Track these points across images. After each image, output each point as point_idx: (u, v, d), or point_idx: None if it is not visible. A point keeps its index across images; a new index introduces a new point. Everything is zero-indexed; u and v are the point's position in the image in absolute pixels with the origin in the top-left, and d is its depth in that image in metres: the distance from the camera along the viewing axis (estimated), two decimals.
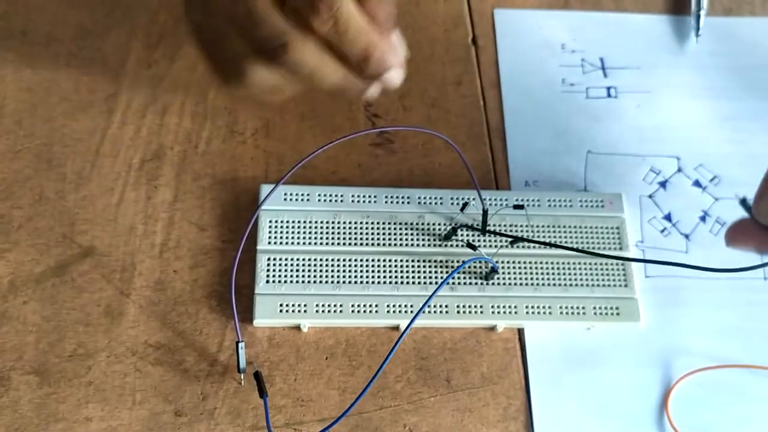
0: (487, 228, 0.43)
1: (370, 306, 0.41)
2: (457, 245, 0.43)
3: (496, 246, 0.43)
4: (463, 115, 0.48)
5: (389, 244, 0.43)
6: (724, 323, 0.43)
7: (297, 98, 0.48)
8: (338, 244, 0.43)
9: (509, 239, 0.43)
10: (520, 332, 0.42)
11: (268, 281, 0.41)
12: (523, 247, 0.43)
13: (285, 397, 0.40)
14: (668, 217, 0.46)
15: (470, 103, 0.49)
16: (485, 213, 0.43)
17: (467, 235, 0.43)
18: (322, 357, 0.41)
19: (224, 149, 0.46)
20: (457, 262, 0.43)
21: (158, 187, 0.44)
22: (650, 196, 0.47)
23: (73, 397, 0.39)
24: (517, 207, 0.44)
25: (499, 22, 0.52)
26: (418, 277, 0.42)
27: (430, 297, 0.38)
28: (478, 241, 0.43)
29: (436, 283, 0.42)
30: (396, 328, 0.42)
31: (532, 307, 0.42)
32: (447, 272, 0.42)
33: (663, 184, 0.47)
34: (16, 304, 0.41)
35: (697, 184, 0.48)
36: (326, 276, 0.42)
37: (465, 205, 0.44)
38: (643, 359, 0.42)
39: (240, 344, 0.39)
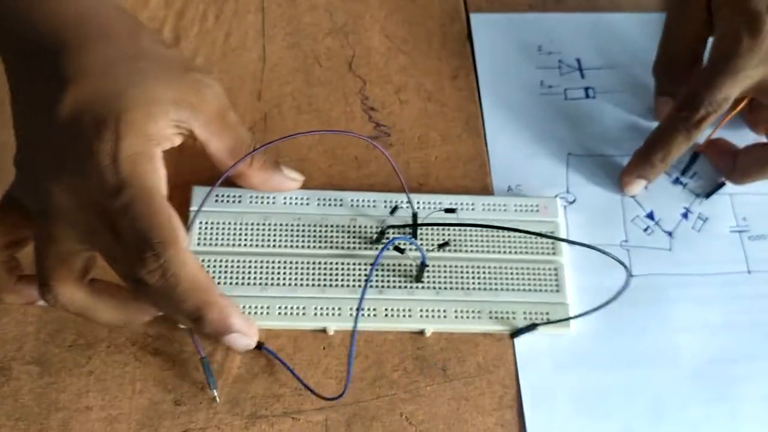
0: (418, 231, 0.43)
1: (297, 308, 0.41)
2: (387, 248, 0.42)
3: (426, 249, 0.43)
4: (459, 108, 0.49)
5: (319, 247, 0.43)
6: (710, 319, 0.44)
7: (294, 92, 0.49)
8: (267, 246, 0.42)
9: (438, 243, 0.43)
10: None
11: None
12: (453, 250, 0.43)
13: (283, 386, 0.40)
14: (651, 216, 0.47)
15: (466, 97, 0.49)
16: (415, 216, 0.43)
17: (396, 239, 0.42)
18: (320, 347, 0.41)
19: None
20: (387, 265, 0.42)
21: None
22: (632, 196, 0.47)
23: (74, 386, 0.39)
24: (448, 211, 0.44)
25: (475, 27, 0.52)
26: (346, 280, 0.42)
27: (363, 293, 0.39)
28: (407, 243, 0.43)
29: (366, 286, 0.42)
30: (323, 330, 0.41)
31: (462, 311, 0.42)
32: (375, 275, 0.42)
33: None
34: None
35: (677, 181, 0.48)
36: (254, 278, 0.42)
37: (395, 208, 0.44)
38: (630, 357, 0.42)
39: (204, 359, 0.39)
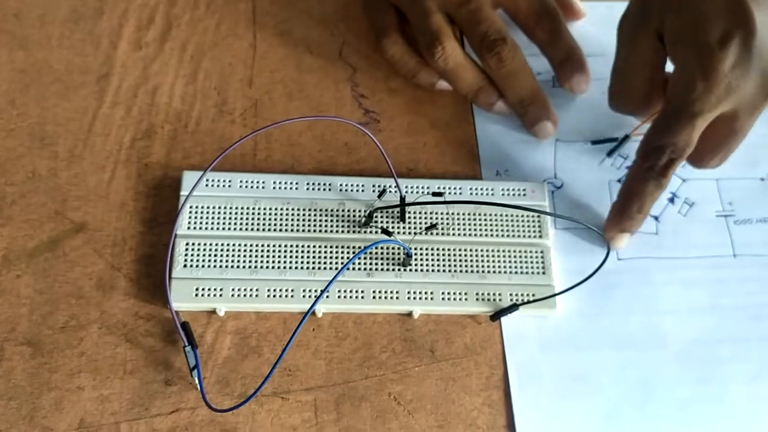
0: (406, 215, 0.44)
1: (286, 290, 0.41)
2: (375, 231, 0.43)
3: (413, 233, 0.44)
4: (448, 95, 0.49)
5: (308, 230, 0.43)
6: (696, 302, 0.44)
7: (284, 79, 0.49)
8: (257, 229, 0.43)
9: (425, 226, 0.44)
10: None
11: (185, 265, 0.42)
12: (441, 234, 0.44)
13: (272, 366, 0.41)
14: None
15: None
16: (402, 200, 0.43)
17: (384, 222, 0.44)
18: (309, 328, 0.42)
19: (214, 128, 0.47)
20: (374, 248, 0.43)
21: (149, 165, 0.45)
22: (619, 181, 0.47)
23: (66, 367, 0.40)
24: (435, 194, 0.44)
25: None
26: (335, 263, 0.42)
27: (332, 281, 0.38)
28: (395, 227, 0.44)
29: (353, 269, 0.42)
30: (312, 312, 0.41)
31: (449, 293, 0.42)
32: (363, 258, 0.42)
33: None
34: (9, 278, 0.42)
35: None
36: (244, 261, 0.42)
37: (383, 192, 0.44)
38: (616, 338, 0.43)
39: (186, 348, 0.39)
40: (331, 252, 0.43)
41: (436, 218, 0.44)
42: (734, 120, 0.42)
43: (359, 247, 0.43)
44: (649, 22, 0.43)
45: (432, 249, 0.43)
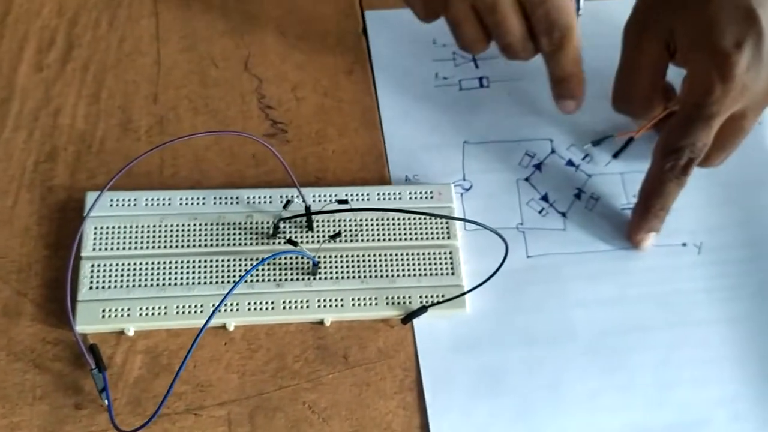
0: (313, 224, 0.44)
1: (195, 306, 0.41)
2: (282, 242, 0.44)
3: (320, 241, 0.44)
4: (355, 102, 0.50)
5: (216, 245, 0.43)
6: (604, 294, 0.45)
7: (190, 94, 0.49)
8: (164, 247, 0.43)
9: (330, 234, 0.44)
10: None
11: (91, 287, 0.41)
12: (347, 240, 0.44)
13: (185, 383, 0.40)
14: (545, 198, 0.48)
15: (362, 91, 0.50)
16: (308, 210, 0.44)
17: (291, 232, 0.44)
18: (221, 342, 0.42)
19: (119, 147, 0.47)
20: (282, 258, 0.43)
21: (52, 188, 0.45)
22: (527, 179, 0.49)
23: None
24: (341, 202, 0.45)
25: (370, 23, 0.53)
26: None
27: (227, 295, 0.39)
28: (302, 237, 0.44)
29: (264, 280, 0.43)
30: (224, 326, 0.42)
31: (359, 299, 0.43)
32: (273, 269, 0.43)
33: (538, 167, 0.49)
34: None
35: (570, 163, 0.49)
36: (151, 279, 0.42)
37: (288, 202, 0.44)
38: (527, 334, 0.44)
39: (93, 371, 0.39)
40: (239, 265, 0.43)
41: (344, 225, 0.44)
42: (743, 119, 0.44)
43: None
44: (656, 29, 0.44)
45: (341, 256, 0.44)
